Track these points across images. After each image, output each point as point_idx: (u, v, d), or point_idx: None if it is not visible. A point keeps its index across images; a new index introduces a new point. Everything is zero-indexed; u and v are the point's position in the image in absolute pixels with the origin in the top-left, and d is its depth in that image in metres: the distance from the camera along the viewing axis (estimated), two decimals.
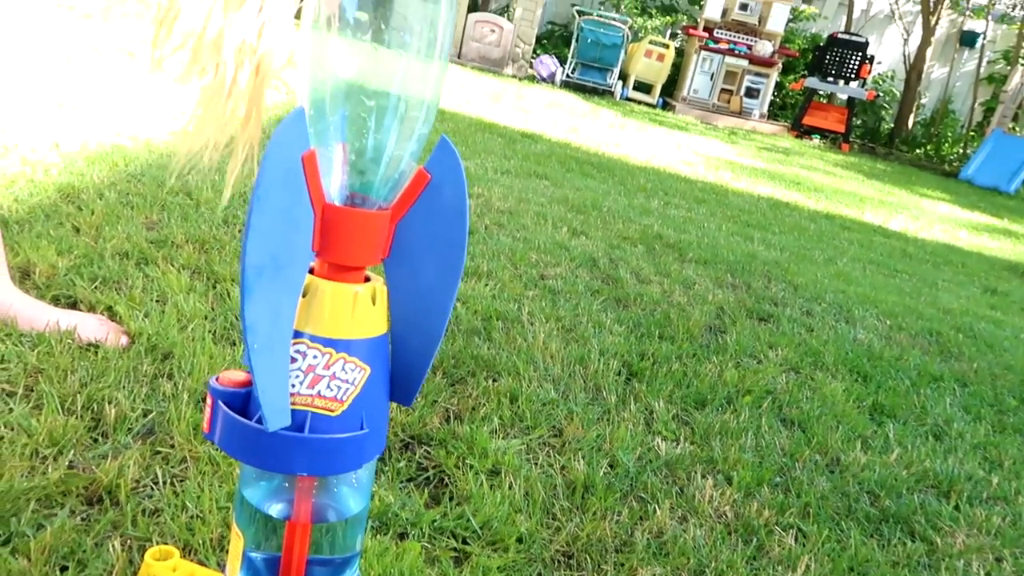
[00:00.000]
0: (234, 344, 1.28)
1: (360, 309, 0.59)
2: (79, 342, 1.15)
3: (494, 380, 1.31)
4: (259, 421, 0.56)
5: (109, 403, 1.00)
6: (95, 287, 1.34)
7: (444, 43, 0.57)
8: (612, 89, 8.44)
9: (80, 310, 1.28)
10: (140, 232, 1.60)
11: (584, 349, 1.51)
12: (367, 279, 0.61)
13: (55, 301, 1.28)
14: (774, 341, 1.80)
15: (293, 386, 0.58)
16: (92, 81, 2.89)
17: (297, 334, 0.58)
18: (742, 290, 2.17)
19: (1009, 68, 9.38)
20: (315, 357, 0.58)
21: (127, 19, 4.64)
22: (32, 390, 1.01)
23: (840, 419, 1.44)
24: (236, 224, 1.78)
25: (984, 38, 10.05)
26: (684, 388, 1.43)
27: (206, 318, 1.31)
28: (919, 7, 9.67)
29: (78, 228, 1.57)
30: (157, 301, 1.33)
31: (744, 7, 8.67)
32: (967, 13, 10.31)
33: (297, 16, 0.90)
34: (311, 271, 0.60)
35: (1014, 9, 10.23)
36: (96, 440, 0.95)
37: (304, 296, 0.58)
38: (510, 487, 1.01)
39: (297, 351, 0.58)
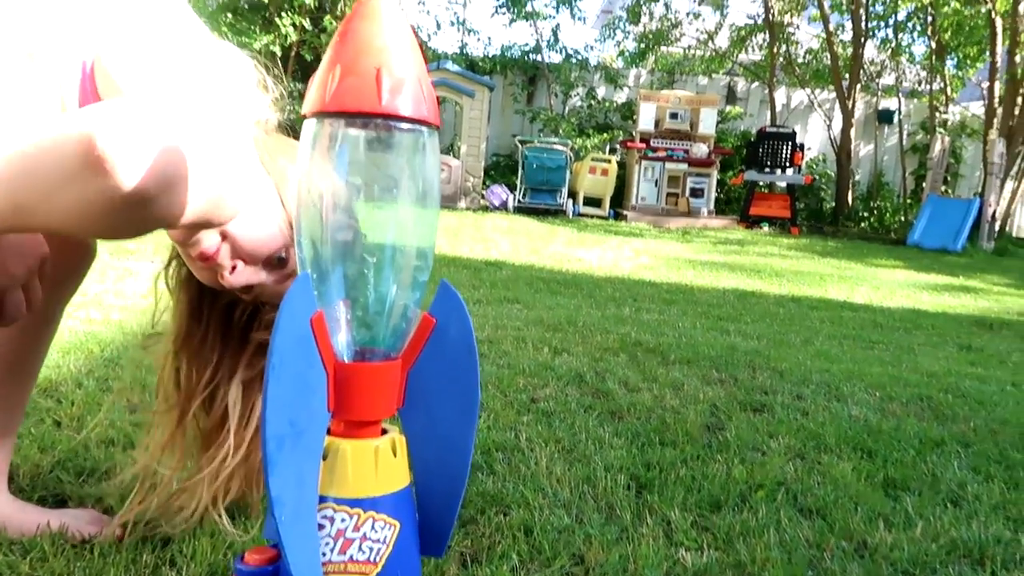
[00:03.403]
0: (233, 519, 1.23)
1: (383, 464, 0.58)
2: (72, 541, 1.10)
3: (505, 514, 1.28)
4: None
5: None
6: (82, 481, 1.30)
7: (435, 191, 0.60)
8: (564, 208, 8.74)
9: (69, 507, 1.23)
10: (123, 416, 1.57)
11: (589, 468, 1.48)
12: (384, 431, 0.61)
13: (42, 501, 1.23)
14: (773, 430, 1.79)
15: (324, 554, 0.56)
16: None
17: (321, 499, 0.57)
18: (730, 384, 2.18)
19: (929, 137, 9.98)
20: (343, 520, 0.56)
21: None
22: None
23: (856, 500, 1.42)
24: None
25: (899, 113, 10.74)
26: (696, 492, 1.41)
27: None
28: (834, 95, 10.35)
29: (59, 422, 1.53)
30: (149, 486, 1.29)
31: (674, 116, 9.19)
32: (878, 93, 11.06)
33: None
34: (328, 431, 0.59)
35: (920, 85, 11.02)
36: None
37: (325, 459, 0.58)
38: None
39: (324, 517, 0.57)
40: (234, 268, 0.89)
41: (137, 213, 0.58)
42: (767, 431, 1.78)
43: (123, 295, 2.75)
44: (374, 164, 0.59)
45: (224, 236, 0.87)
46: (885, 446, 1.73)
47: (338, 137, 0.57)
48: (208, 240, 0.86)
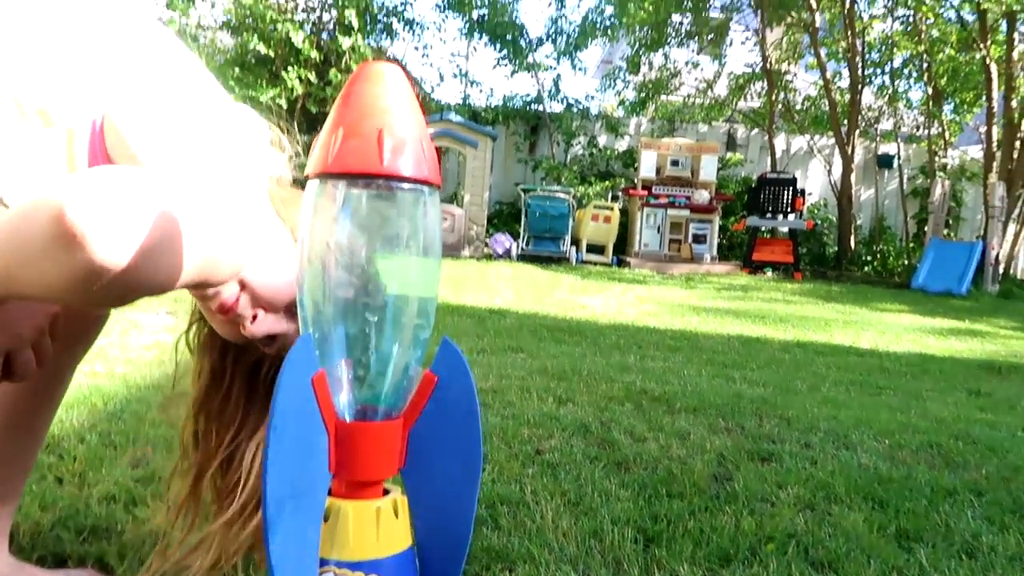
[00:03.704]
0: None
1: (384, 525, 0.57)
2: None
3: (510, 571, 1.25)
4: None
5: None
6: (83, 539, 1.28)
7: (436, 249, 0.61)
8: (567, 255, 8.77)
9: (69, 566, 1.21)
10: (126, 472, 1.56)
11: (595, 521, 1.46)
12: (386, 492, 0.60)
13: (41, 561, 1.22)
14: (781, 480, 1.77)
15: None
16: None
17: (322, 562, 0.56)
18: (737, 433, 2.16)
19: (929, 181, 10.06)
20: None
21: None
22: None
23: (869, 553, 1.40)
24: None
25: (899, 158, 10.84)
26: (705, 546, 1.38)
27: None
28: (834, 140, 10.47)
29: (61, 479, 1.52)
30: (151, 544, 1.27)
31: (675, 163, 9.29)
32: (877, 138, 11.18)
33: None
34: (329, 492, 0.59)
35: (919, 130, 11.14)
36: None
37: (326, 520, 0.57)
38: None
39: None
40: (255, 317, 0.88)
41: (116, 283, 0.57)
42: (776, 481, 1.76)
43: (128, 348, 2.75)
44: (376, 224, 0.59)
45: (243, 286, 0.86)
46: (896, 496, 1.70)
47: (340, 197, 0.58)
48: (227, 291, 0.85)
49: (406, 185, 0.57)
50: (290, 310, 0.91)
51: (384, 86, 0.58)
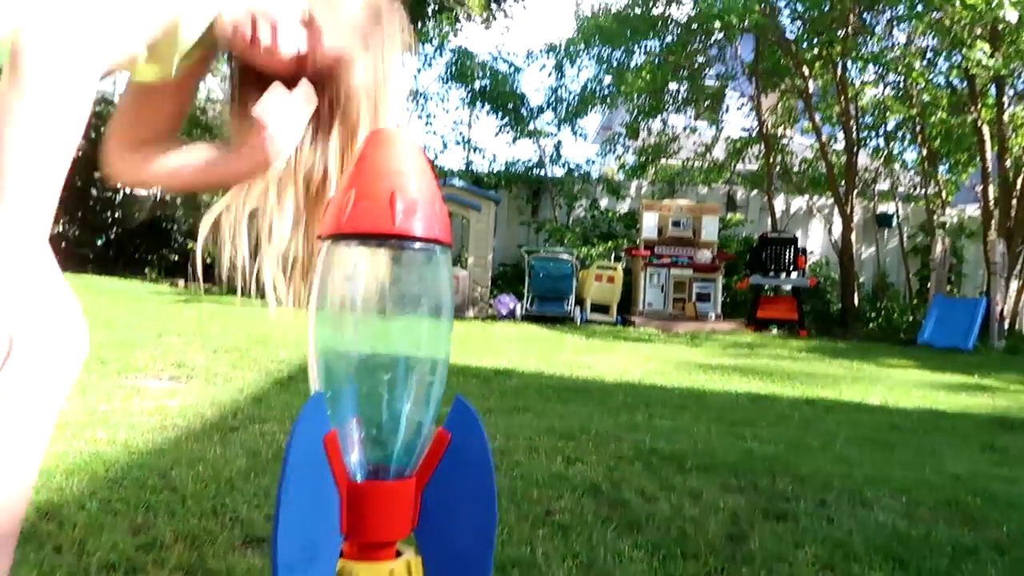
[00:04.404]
0: None
1: None
2: None
3: None
4: None
5: None
6: None
7: (448, 306, 0.61)
8: (571, 315, 8.77)
9: None
10: (126, 539, 1.53)
11: None
12: (399, 553, 0.59)
13: None
14: (798, 540, 1.72)
15: None
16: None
17: None
18: (750, 491, 2.12)
19: (929, 238, 10.11)
20: None
21: (96, 329, 4.78)
22: None
23: None
24: (226, 514, 1.71)
25: (898, 217, 10.93)
26: None
27: None
28: (832, 200, 10.58)
29: (59, 547, 1.49)
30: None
31: (677, 223, 9.38)
32: (875, 198, 11.29)
33: None
34: (341, 554, 0.58)
35: (916, 189, 11.26)
36: None
37: None
38: None
39: None
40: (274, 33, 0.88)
41: None
42: (792, 540, 1.71)
43: (131, 413, 2.73)
44: (388, 283, 0.60)
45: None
46: (917, 555, 1.66)
47: (354, 257, 0.58)
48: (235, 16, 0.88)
49: (418, 244, 0.58)
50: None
51: (396, 150, 0.59)
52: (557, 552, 1.57)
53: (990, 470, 2.57)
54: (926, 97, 9.75)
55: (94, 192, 10.48)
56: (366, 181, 0.57)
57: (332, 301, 0.60)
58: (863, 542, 1.72)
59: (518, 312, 8.76)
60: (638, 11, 10.74)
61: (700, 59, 11.16)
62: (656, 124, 12.09)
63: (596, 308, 9.05)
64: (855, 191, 10.29)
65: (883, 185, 11.49)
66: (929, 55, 9.17)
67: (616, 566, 1.52)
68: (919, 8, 8.64)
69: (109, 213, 10.69)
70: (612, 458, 2.42)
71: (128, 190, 10.73)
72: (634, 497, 1.99)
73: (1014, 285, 8.98)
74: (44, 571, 1.36)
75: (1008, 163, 8.80)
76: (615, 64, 11.54)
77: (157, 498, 1.79)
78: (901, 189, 11.33)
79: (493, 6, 12.17)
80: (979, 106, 8.83)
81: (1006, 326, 8.67)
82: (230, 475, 1.97)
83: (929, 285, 9.47)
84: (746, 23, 9.05)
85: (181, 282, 9.04)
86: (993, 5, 7.23)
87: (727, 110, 12.17)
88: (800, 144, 12.28)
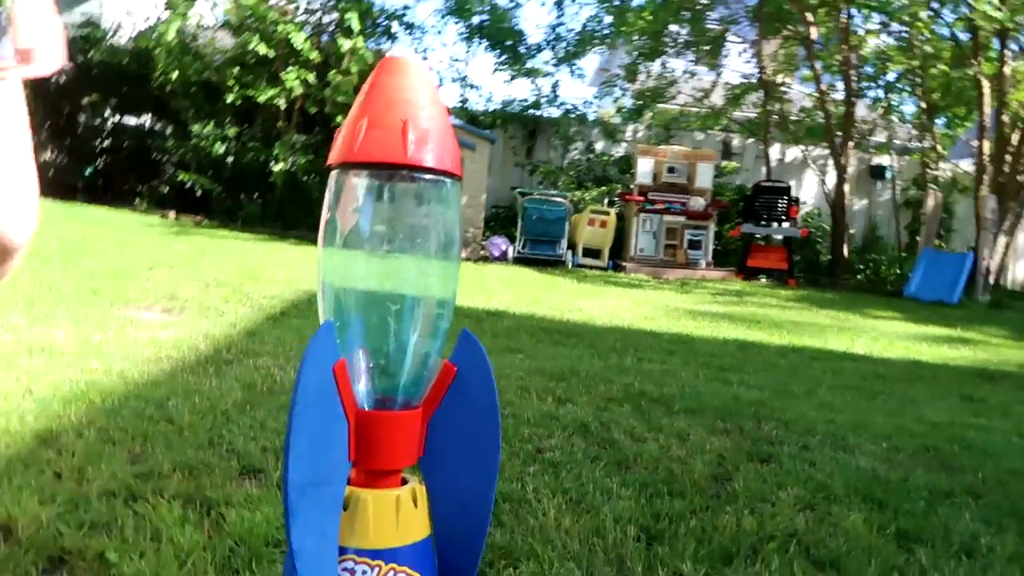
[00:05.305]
0: (237, 572, 1.21)
1: (404, 514, 0.58)
2: None
3: (514, 568, 1.25)
4: None
5: None
6: (83, 533, 1.27)
7: (456, 241, 0.61)
8: (563, 259, 8.78)
9: (68, 561, 1.20)
10: (125, 468, 1.55)
11: (598, 519, 1.46)
12: (405, 481, 0.61)
13: (41, 555, 1.21)
14: (781, 481, 1.77)
15: None
16: (57, 322, 2.90)
17: (341, 550, 0.56)
18: (736, 434, 2.17)
19: (921, 192, 10.10)
20: (364, 572, 0.56)
21: (87, 259, 4.75)
22: None
23: (870, 552, 1.40)
24: (223, 445, 1.74)
25: (892, 170, 10.90)
26: (707, 544, 1.39)
27: (204, 549, 1.25)
28: (828, 151, 10.52)
29: (60, 473, 1.51)
30: (151, 539, 1.27)
31: (672, 170, 9.31)
32: (871, 150, 11.24)
33: None
34: (348, 481, 0.59)
35: (911, 142, 11.20)
36: None
37: (345, 509, 0.57)
38: None
39: (345, 569, 0.56)
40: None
41: None
42: (775, 482, 1.76)
43: (125, 344, 2.74)
44: (398, 213, 0.60)
45: None
46: (895, 497, 1.71)
47: (363, 186, 0.58)
48: None
49: (429, 176, 0.58)
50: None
51: (408, 78, 0.58)
52: (547, 488, 1.61)
53: (968, 419, 2.64)
54: (928, 48, 9.61)
55: (81, 119, 10.28)
56: (377, 110, 0.56)
57: (340, 231, 0.60)
58: (843, 485, 1.77)
59: (510, 254, 8.76)
60: None
61: (703, 0, 10.91)
62: (655, 67, 11.88)
63: (588, 252, 9.05)
64: (851, 142, 10.23)
65: (879, 137, 11.42)
66: (935, 5, 8.99)
67: (605, 502, 1.56)
68: None
69: (98, 142, 10.51)
70: (602, 399, 2.46)
71: (117, 117, 10.54)
72: (623, 437, 2.03)
73: (1002, 241, 9.03)
74: (45, 497, 1.39)
75: (1006, 118, 8.74)
76: (616, 2, 11.27)
77: (154, 428, 1.81)
78: (897, 142, 11.27)
79: None
80: (981, 59, 8.72)
81: (991, 281, 8.76)
82: (226, 407, 1.99)
83: (919, 238, 9.52)
84: None
85: (172, 213, 8.94)
86: None
87: (727, 55, 11.97)
88: (799, 92, 12.14)
